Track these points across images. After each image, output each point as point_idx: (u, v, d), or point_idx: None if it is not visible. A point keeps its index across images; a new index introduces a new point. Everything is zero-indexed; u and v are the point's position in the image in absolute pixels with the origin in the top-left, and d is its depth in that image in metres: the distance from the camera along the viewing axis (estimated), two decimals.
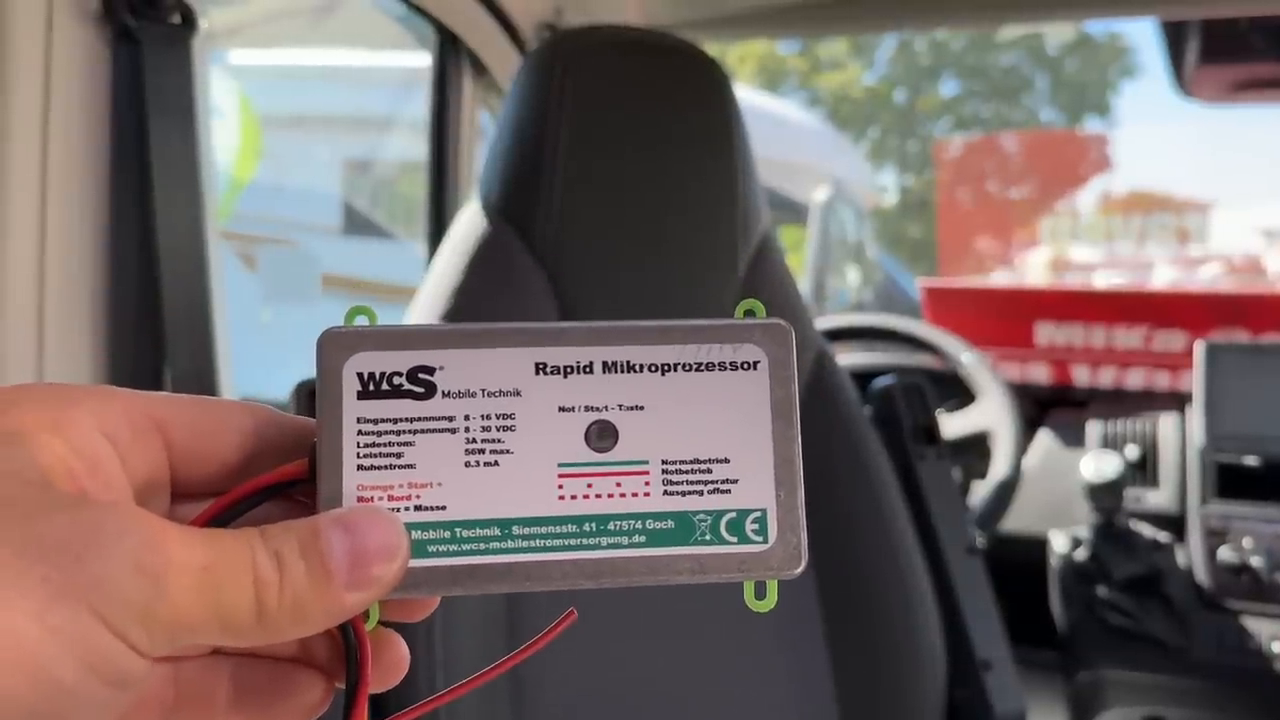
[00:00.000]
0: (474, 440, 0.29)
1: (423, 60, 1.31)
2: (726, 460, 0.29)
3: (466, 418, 0.29)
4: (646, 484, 0.29)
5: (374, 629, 0.29)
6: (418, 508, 0.28)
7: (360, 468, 0.28)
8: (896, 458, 1.04)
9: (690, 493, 0.29)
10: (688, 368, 0.30)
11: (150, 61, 0.74)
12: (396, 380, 0.29)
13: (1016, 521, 1.52)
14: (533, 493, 0.28)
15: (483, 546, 0.28)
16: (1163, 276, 3.95)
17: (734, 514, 0.29)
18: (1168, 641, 1.30)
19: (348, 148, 3.56)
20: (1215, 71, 1.59)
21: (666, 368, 0.29)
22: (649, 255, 0.90)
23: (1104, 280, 3.83)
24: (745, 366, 0.30)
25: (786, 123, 6.62)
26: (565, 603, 0.30)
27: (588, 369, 0.29)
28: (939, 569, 1.03)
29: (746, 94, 7.64)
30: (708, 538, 0.29)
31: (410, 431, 0.28)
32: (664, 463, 0.29)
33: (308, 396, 0.86)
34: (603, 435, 0.29)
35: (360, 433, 0.28)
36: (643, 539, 0.28)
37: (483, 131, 1.32)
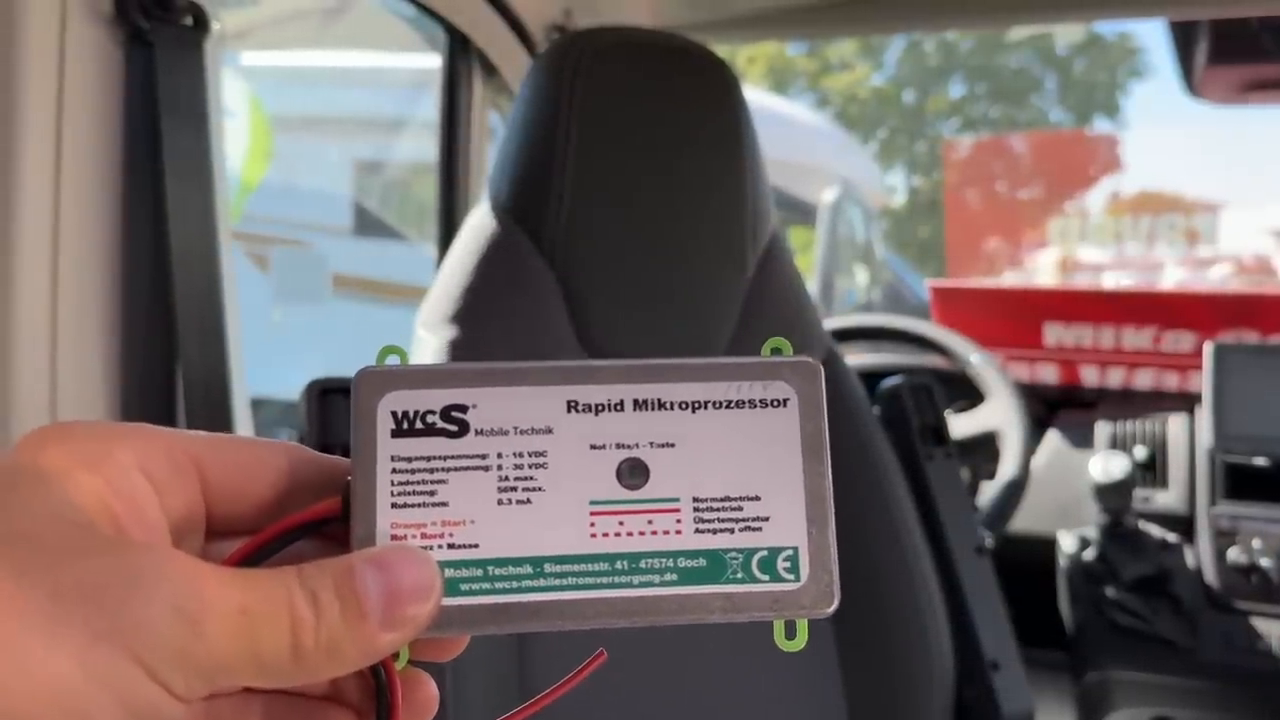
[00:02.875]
0: (506, 478, 0.29)
1: (433, 62, 1.32)
2: (757, 498, 0.29)
3: (499, 455, 0.29)
4: (678, 521, 0.29)
5: (403, 668, 0.29)
6: (450, 545, 0.28)
7: (394, 505, 0.28)
8: (905, 458, 1.04)
9: (722, 530, 0.29)
10: (718, 405, 0.30)
11: (162, 63, 0.74)
12: (430, 419, 0.29)
13: (1025, 522, 1.52)
14: (565, 531, 0.28)
15: (515, 585, 0.28)
16: (1172, 277, 3.95)
17: (765, 552, 0.29)
18: (1176, 642, 1.30)
19: (358, 149, 3.57)
20: (1224, 72, 1.59)
21: (697, 405, 0.30)
22: (658, 256, 0.90)
23: (1113, 281, 3.83)
24: (775, 404, 0.30)
25: (795, 124, 6.61)
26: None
27: (619, 407, 0.29)
28: (947, 569, 1.03)
29: (755, 95, 7.64)
30: (739, 576, 0.29)
31: (444, 470, 0.29)
32: (695, 500, 0.29)
33: (318, 396, 0.87)
34: (634, 473, 0.29)
35: (394, 470, 0.28)
36: (674, 577, 0.28)
37: (492, 132, 1.33)
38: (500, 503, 0.28)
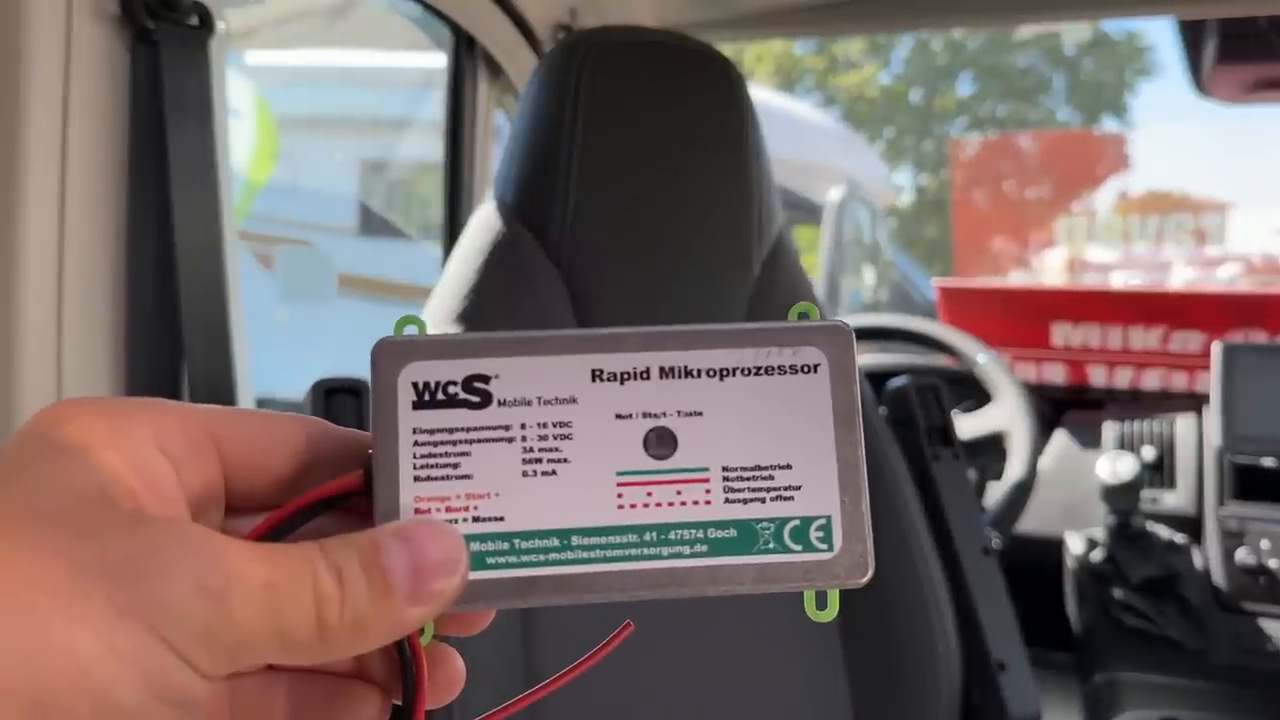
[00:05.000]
0: (531, 449, 0.28)
1: (438, 61, 1.31)
2: (789, 466, 0.28)
3: (523, 426, 0.28)
4: (708, 491, 0.28)
5: (429, 644, 0.29)
6: (475, 519, 0.27)
7: (417, 479, 0.28)
8: (912, 458, 1.04)
9: (753, 500, 0.28)
10: (746, 372, 0.29)
11: (168, 63, 0.74)
12: (452, 390, 0.28)
13: (1032, 522, 1.52)
14: (592, 502, 0.28)
15: (542, 558, 0.27)
16: (1180, 277, 3.94)
17: (798, 521, 0.28)
18: (1184, 643, 1.30)
19: (364, 148, 3.57)
20: (1233, 71, 1.58)
21: (725, 372, 0.29)
22: (664, 255, 0.90)
23: (1121, 281, 3.82)
24: (805, 370, 0.29)
25: (802, 122, 6.60)
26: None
27: (644, 375, 0.29)
28: (954, 570, 1.03)
29: (762, 94, 7.63)
30: (771, 546, 0.28)
31: (467, 441, 0.28)
32: (725, 469, 0.28)
33: (324, 395, 0.87)
34: (661, 442, 0.28)
35: (416, 443, 0.28)
36: (705, 548, 0.28)
37: (498, 132, 1.33)
38: (525, 474, 0.28)
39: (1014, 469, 1.40)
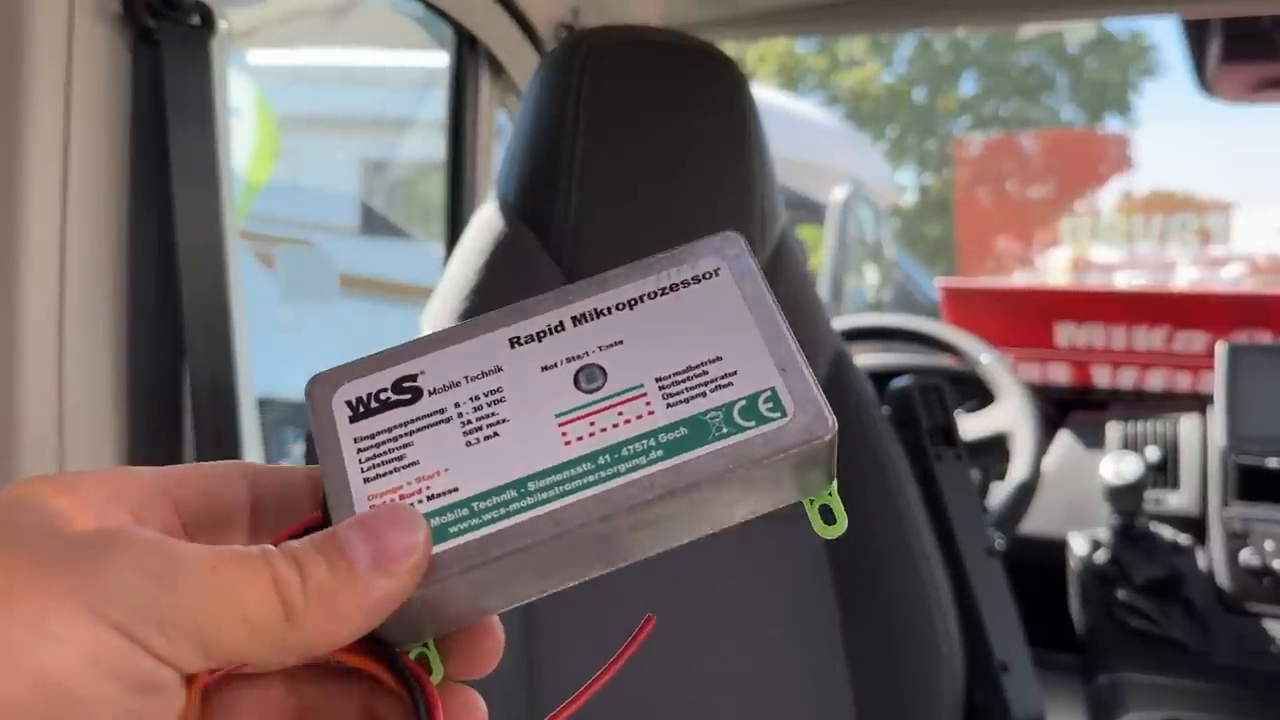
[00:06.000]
0: (469, 421, 0.29)
1: (440, 60, 1.31)
2: (719, 358, 0.29)
3: (457, 405, 0.29)
4: (648, 404, 0.28)
5: (443, 683, 0.28)
6: (430, 497, 0.28)
7: (366, 480, 0.28)
8: (915, 459, 1.04)
9: (694, 397, 0.28)
10: (653, 295, 0.30)
11: (170, 62, 0.74)
12: (383, 395, 0.29)
13: (1035, 523, 1.52)
14: (539, 448, 0.28)
15: (503, 511, 0.27)
16: (1184, 277, 3.93)
17: (744, 401, 0.28)
18: (1188, 644, 1.29)
19: (365, 148, 3.57)
20: (1237, 70, 1.58)
21: (634, 302, 0.30)
22: None
23: (1125, 280, 3.82)
24: (707, 276, 0.30)
25: (805, 122, 6.60)
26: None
27: (559, 328, 0.30)
28: (957, 571, 1.02)
29: (765, 93, 7.63)
30: (725, 431, 0.28)
31: (407, 434, 0.29)
32: (658, 379, 0.29)
33: None
34: (591, 378, 0.29)
35: (359, 450, 0.28)
36: (661, 453, 0.28)
37: (500, 131, 1.33)
38: (469, 444, 0.28)
39: (1017, 469, 1.40)
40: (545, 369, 0.29)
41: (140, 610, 0.23)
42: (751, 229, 0.92)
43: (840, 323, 1.64)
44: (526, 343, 0.30)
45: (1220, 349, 1.50)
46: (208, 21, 0.77)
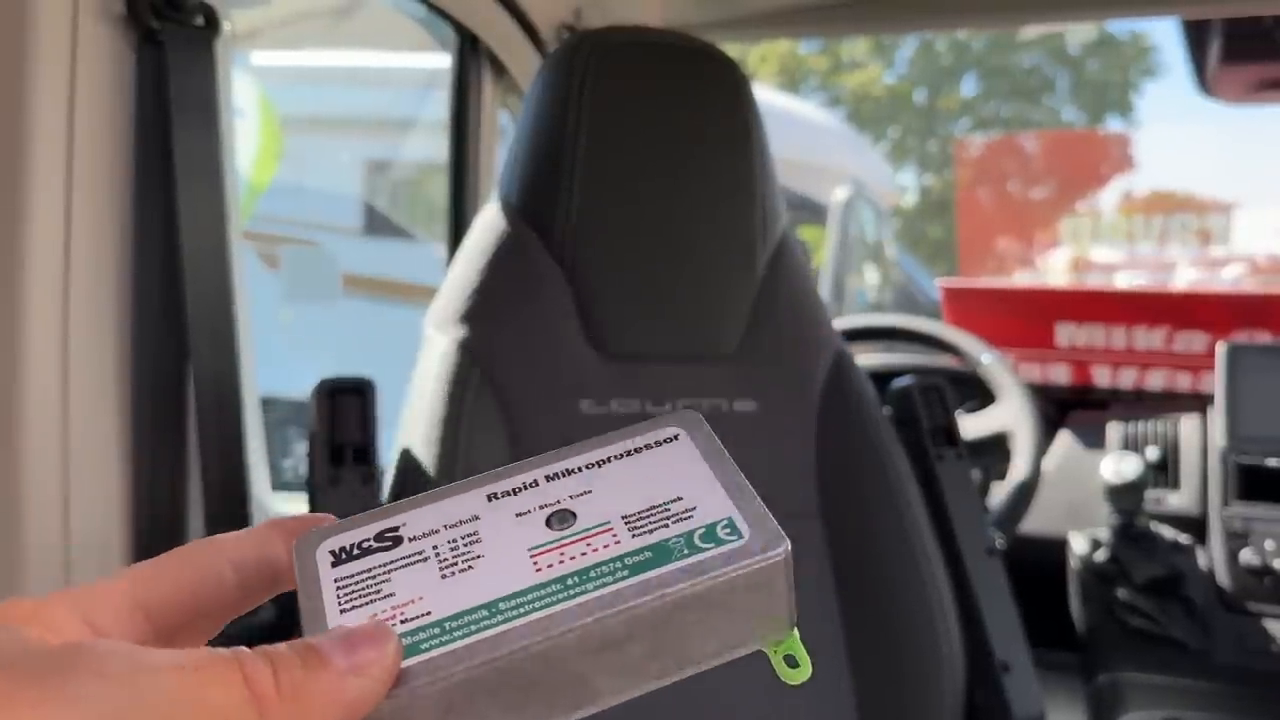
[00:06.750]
0: (445, 559, 0.30)
1: (443, 61, 1.32)
2: (680, 498, 0.31)
3: (435, 548, 0.31)
4: (615, 536, 0.30)
5: None
6: (403, 620, 0.29)
7: (343, 611, 0.29)
8: (916, 458, 1.04)
9: (657, 528, 0.30)
10: (619, 456, 0.33)
11: (174, 63, 0.74)
12: (366, 544, 0.31)
13: (1036, 523, 1.52)
14: (510, 575, 0.30)
15: (474, 628, 0.28)
16: (1185, 277, 3.93)
17: (703, 529, 0.30)
18: (1188, 644, 1.30)
19: (368, 149, 3.57)
20: (1237, 71, 1.58)
21: (602, 461, 0.33)
22: (667, 255, 0.90)
23: (1125, 281, 3.81)
24: (668, 440, 0.33)
25: (806, 123, 6.60)
26: None
27: (533, 484, 0.32)
28: (958, 570, 1.03)
29: (766, 94, 7.63)
30: (686, 552, 0.30)
31: (385, 573, 0.30)
32: (624, 517, 0.31)
33: (328, 396, 0.87)
34: (562, 519, 0.31)
35: (339, 589, 0.30)
36: (626, 572, 0.29)
37: (502, 132, 1.33)
38: (444, 577, 0.30)
39: (1018, 469, 1.40)
40: (519, 515, 0.31)
41: (107, 715, 0.23)
42: (753, 229, 0.92)
43: (841, 323, 1.64)
44: (503, 497, 0.32)
45: (1220, 349, 1.50)
46: (211, 22, 0.77)
